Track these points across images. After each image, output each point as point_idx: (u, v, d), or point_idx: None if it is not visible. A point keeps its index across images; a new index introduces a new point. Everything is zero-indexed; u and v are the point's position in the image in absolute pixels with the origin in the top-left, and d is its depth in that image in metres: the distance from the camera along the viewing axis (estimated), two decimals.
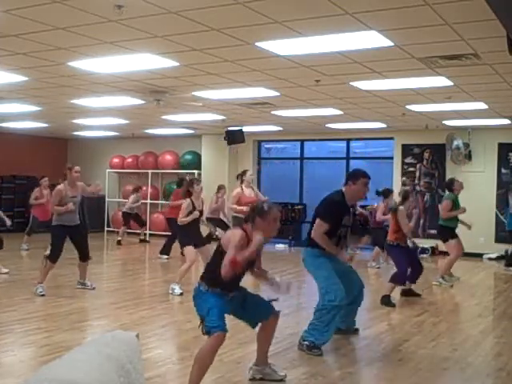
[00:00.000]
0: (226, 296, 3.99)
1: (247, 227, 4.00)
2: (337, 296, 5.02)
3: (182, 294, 7.47)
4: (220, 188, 11.97)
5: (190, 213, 7.49)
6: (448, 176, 11.77)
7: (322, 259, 5.18)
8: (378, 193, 9.30)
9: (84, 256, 7.58)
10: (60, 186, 7.49)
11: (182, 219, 7.47)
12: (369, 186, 5.18)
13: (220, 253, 3.94)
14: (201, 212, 7.78)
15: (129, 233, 14.64)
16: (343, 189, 5.20)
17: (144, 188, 15.35)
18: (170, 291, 7.56)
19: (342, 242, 5.23)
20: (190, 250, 7.62)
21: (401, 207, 7.45)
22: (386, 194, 9.60)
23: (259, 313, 4.18)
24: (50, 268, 7.35)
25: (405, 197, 7.68)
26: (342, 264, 5.37)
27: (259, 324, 4.25)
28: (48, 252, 7.47)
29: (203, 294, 3.97)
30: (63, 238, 7.36)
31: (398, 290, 8.06)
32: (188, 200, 7.52)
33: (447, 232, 8.77)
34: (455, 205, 8.69)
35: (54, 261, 7.29)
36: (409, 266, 7.43)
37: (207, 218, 12.01)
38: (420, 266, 7.60)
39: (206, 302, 3.92)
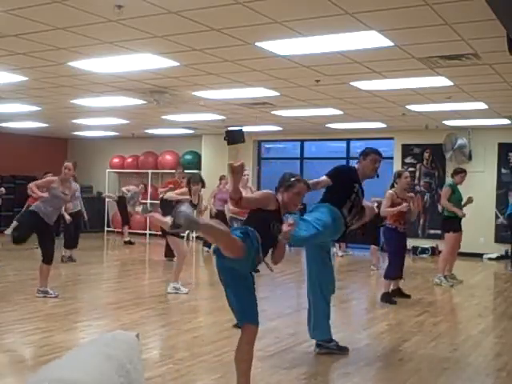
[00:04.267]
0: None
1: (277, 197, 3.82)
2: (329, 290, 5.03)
3: (188, 292, 7.42)
4: (221, 178, 12.17)
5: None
6: (448, 176, 11.79)
7: (331, 226, 4.90)
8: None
9: (47, 258, 7.08)
10: (53, 177, 7.27)
11: (172, 194, 7.47)
12: (379, 165, 5.13)
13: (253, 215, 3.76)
14: (195, 206, 7.76)
15: (118, 232, 14.51)
16: (356, 166, 5.25)
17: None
18: (172, 290, 7.44)
19: (353, 210, 5.05)
20: (177, 241, 7.55)
21: (389, 190, 7.39)
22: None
23: (241, 309, 3.66)
24: (48, 270, 7.08)
25: (397, 176, 7.50)
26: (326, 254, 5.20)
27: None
28: (41, 257, 7.12)
29: None
30: (30, 226, 6.97)
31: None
32: (186, 188, 7.54)
33: (450, 222, 8.69)
34: (454, 193, 8.67)
35: (49, 263, 7.03)
36: (402, 254, 7.43)
37: (211, 211, 12.13)
38: (404, 254, 7.61)
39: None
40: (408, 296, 7.61)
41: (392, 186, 7.52)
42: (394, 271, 7.34)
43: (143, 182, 14.58)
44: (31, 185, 7.17)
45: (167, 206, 8.38)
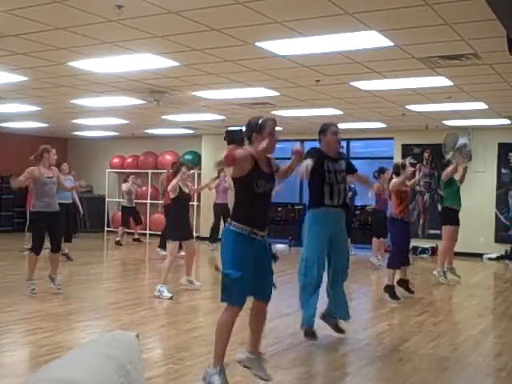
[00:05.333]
0: (253, 235, 3.75)
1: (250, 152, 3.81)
2: (313, 274, 5.17)
3: (171, 297, 7.09)
4: (220, 171, 12.13)
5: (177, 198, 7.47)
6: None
7: (318, 227, 5.19)
8: (374, 174, 9.89)
9: (55, 247, 7.21)
10: (34, 167, 7.02)
11: (172, 185, 7.39)
12: (339, 135, 5.36)
13: (236, 184, 3.88)
14: (189, 196, 7.79)
15: (128, 233, 14.59)
16: (320, 147, 5.43)
17: (144, 188, 15.37)
18: (157, 293, 7.14)
19: (334, 189, 5.18)
20: (173, 245, 7.43)
21: (393, 180, 7.40)
22: (382, 171, 9.78)
23: (259, 287, 3.88)
24: (35, 261, 7.04)
25: (400, 167, 7.50)
26: (340, 238, 5.35)
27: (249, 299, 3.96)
28: (30, 244, 7.12)
29: (227, 234, 3.76)
30: (43, 226, 7.05)
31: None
32: (174, 181, 7.45)
33: (450, 215, 8.72)
34: (451, 186, 8.75)
35: (37, 252, 7.00)
36: (405, 244, 7.48)
37: (215, 204, 12.22)
38: (408, 245, 7.75)
39: (228, 247, 3.69)
40: (412, 292, 7.66)
41: (391, 178, 7.59)
42: (395, 261, 7.36)
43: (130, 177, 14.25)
44: (15, 181, 7.04)
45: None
